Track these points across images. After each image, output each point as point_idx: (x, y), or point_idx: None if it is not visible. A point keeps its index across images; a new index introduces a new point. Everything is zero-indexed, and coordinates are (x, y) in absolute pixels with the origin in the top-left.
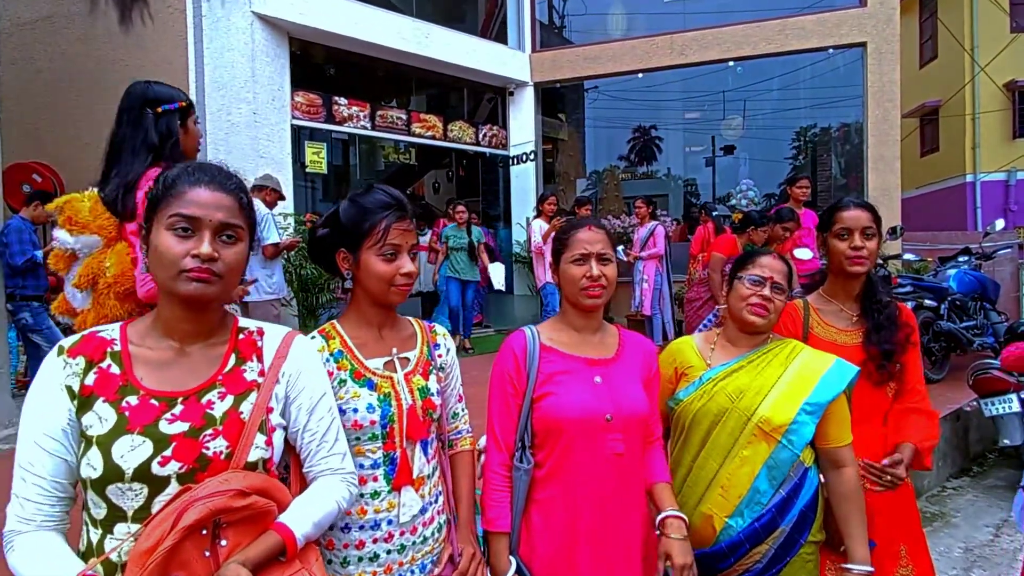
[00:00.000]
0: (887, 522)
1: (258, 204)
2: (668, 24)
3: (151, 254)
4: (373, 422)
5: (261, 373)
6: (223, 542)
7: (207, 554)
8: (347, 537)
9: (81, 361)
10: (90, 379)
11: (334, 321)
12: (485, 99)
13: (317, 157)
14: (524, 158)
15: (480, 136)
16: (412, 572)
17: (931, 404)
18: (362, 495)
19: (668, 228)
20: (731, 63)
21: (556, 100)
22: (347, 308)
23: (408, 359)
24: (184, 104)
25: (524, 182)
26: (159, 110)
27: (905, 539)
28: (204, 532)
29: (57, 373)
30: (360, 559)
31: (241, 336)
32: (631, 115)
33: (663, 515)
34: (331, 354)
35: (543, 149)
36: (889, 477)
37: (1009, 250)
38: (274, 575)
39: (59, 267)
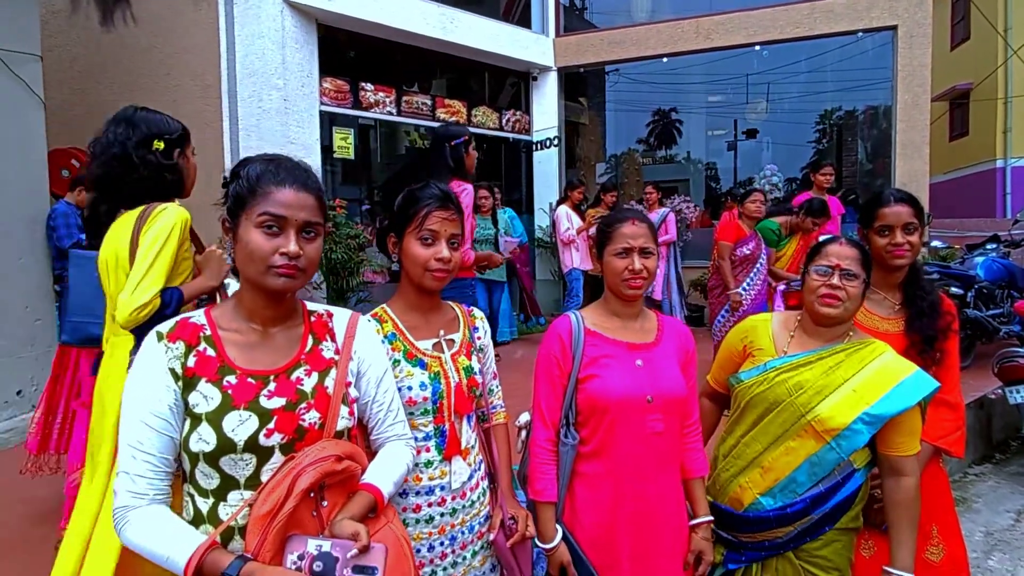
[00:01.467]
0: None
1: None
2: (694, 7)
3: (239, 248)
4: (425, 398)
5: (336, 351)
6: (325, 503)
7: (314, 514)
8: (405, 502)
9: (181, 345)
10: (191, 361)
11: (384, 306)
12: (508, 84)
13: (344, 143)
14: (547, 143)
15: (503, 121)
16: (462, 532)
17: (961, 396)
18: (416, 464)
19: (692, 214)
20: (757, 47)
21: (579, 84)
22: (396, 293)
23: (453, 341)
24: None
25: (547, 167)
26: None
27: (937, 520)
28: (312, 495)
29: (160, 357)
30: (417, 521)
31: (313, 319)
32: (652, 99)
33: (698, 520)
34: (385, 336)
35: (564, 133)
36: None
37: None
38: (369, 528)
39: None
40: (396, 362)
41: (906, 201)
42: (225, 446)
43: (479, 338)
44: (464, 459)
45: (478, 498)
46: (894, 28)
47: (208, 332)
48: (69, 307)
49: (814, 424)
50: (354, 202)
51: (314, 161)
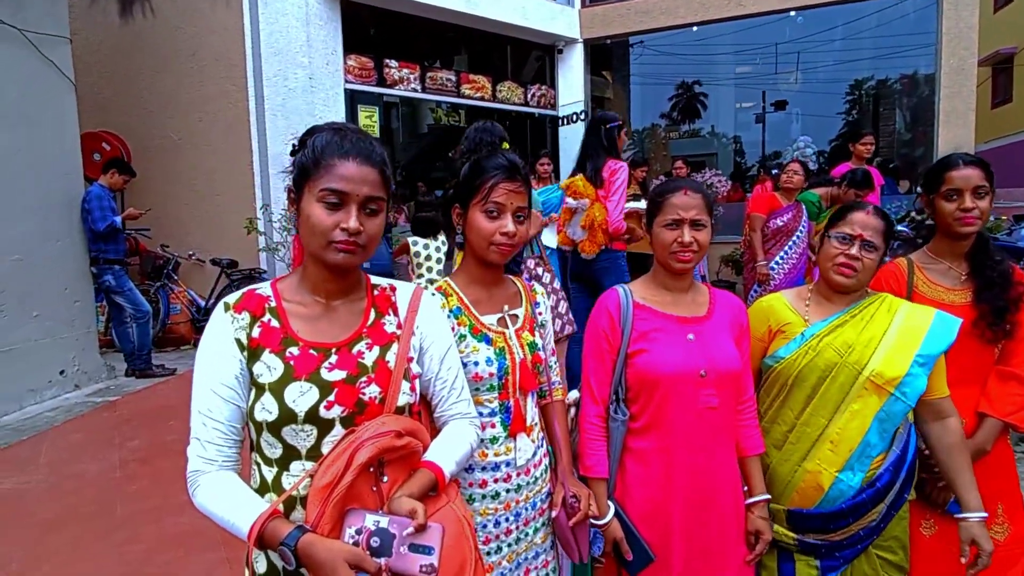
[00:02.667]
0: (984, 481)
1: None
2: None
3: (302, 222)
4: (491, 374)
5: (399, 326)
6: (385, 478)
7: (374, 489)
8: (471, 477)
9: (246, 316)
10: (256, 332)
11: (448, 279)
12: (533, 58)
13: (370, 121)
14: (574, 118)
15: (528, 96)
16: (526, 508)
17: None
18: (482, 440)
19: (723, 188)
20: (792, 12)
21: (604, 57)
22: (460, 267)
23: (516, 316)
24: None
25: (573, 143)
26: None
27: (1003, 499)
28: (371, 470)
29: (227, 327)
30: (483, 496)
31: (376, 292)
32: (679, 70)
33: (755, 499)
34: (451, 311)
35: (590, 107)
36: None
37: None
38: (428, 507)
39: (566, 218)
40: (462, 337)
41: (976, 164)
42: (286, 416)
43: (540, 313)
44: (528, 436)
45: (541, 475)
46: None
47: (273, 303)
48: None
49: (873, 379)
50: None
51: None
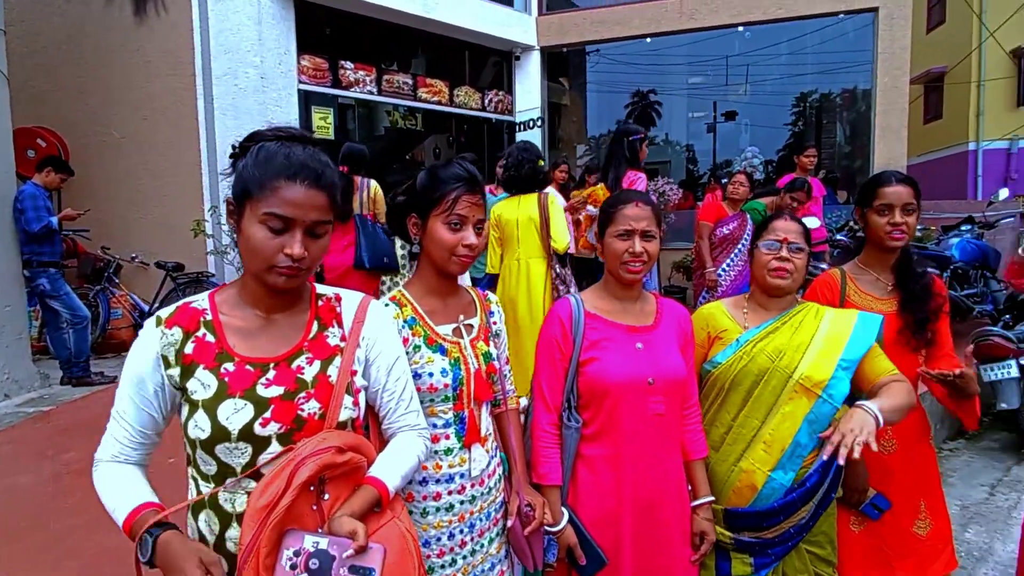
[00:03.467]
0: (906, 478)
1: None
2: None
3: (242, 239)
4: (446, 385)
5: (343, 338)
6: (326, 496)
7: (314, 508)
8: (425, 490)
9: (178, 332)
10: (189, 348)
11: (402, 289)
12: (491, 63)
13: (324, 123)
14: (531, 124)
15: (486, 101)
16: (480, 519)
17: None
18: (436, 452)
19: (675, 195)
20: (740, 28)
21: (561, 64)
22: (414, 276)
23: (471, 326)
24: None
25: None
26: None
27: (924, 495)
28: (312, 488)
29: (154, 342)
30: (438, 509)
31: (320, 303)
32: (634, 80)
33: (700, 502)
34: (405, 321)
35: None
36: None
37: (1012, 219)
38: (371, 524)
39: (587, 225)
40: (416, 348)
41: (906, 182)
42: (219, 434)
43: (495, 323)
44: (483, 446)
45: (495, 484)
46: (875, 10)
47: (209, 317)
48: None
49: (802, 382)
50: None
51: None
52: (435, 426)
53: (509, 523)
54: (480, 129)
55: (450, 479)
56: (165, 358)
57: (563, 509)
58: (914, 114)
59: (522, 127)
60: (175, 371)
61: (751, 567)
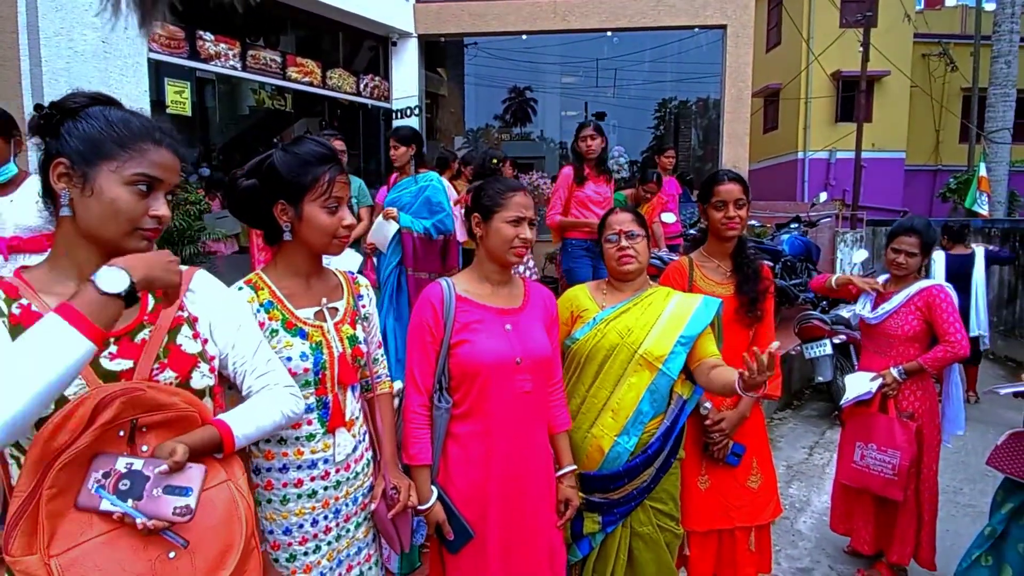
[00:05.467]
0: (742, 440)
1: None
2: None
3: (96, 202)
4: (306, 370)
5: (181, 307)
6: (144, 448)
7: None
8: (285, 477)
9: None
10: (16, 310)
11: (260, 272)
12: (367, 47)
13: (180, 97)
14: (408, 112)
15: (361, 86)
16: (347, 505)
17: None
18: (298, 438)
19: (548, 190)
20: (609, 33)
21: (438, 54)
22: (274, 259)
23: (336, 309)
24: None
25: None
26: None
27: (756, 454)
28: (122, 434)
29: None
30: (299, 496)
31: None
32: (511, 75)
33: (564, 470)
34: (261, 304)
35: (424, 103)
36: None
37: (829, 219)
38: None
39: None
40: (274, 332)
41: (737, 180)
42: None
43: (364, 306)
44: (348, 431)
45: (362, 469)
46: (724, 27)
47: (24, 293)
48: None
49: (645, 356)
50: (190, 164)
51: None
52: None
53: (372, 506)
54: (355, 114)
55: (313, 464)
56: None
57: (432, 487)
58: (756, 124)
59: (399, 115)
60: (4, 321)
61: (599, 524)
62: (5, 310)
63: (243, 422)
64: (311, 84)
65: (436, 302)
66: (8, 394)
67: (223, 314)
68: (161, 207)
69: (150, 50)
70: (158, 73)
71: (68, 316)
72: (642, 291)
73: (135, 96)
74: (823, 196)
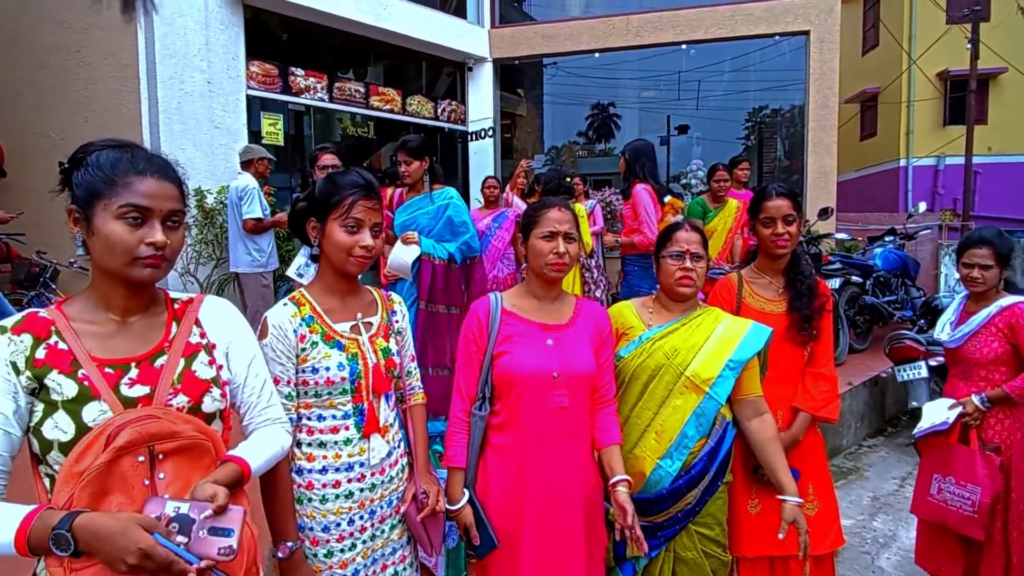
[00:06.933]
0: (797, 466)
1: (246, 178)
2: (625, 5)
3: (97, 240)
4: (343, 379)
5: (202, 335)
6: (161, 475)
7: (147, 483)
8: (324, 478)
9: (27, 338)
10: (40, 353)
11: (302, 289)
12: (444, 73)
13: (274, 128)
14: (483, 134)
15: (439, 111)
16: (381, 507)
17: (835, 368)
18: (336, 442)
19: (621, 205)
20: (684, 46)
21: (515, 75)
22: (315, 278)
23: (371, 323)
24: None
25: (482, 158)
26: None
27: (812, 479)
28: (142, 460)
29: (1, 350)
30: (337, 496)
31: (176, 306)
32: (588, 92)
33: (617, 479)
34: (303, 319)
35: (501, 124)
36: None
37: (930, 231)
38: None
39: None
40: (314, 344)
41: (786, 195)
42: (83, 436)
43: (397, 321)
44: (383, 436)
45: (397, 474)
46: (807, 33)
47: (59, 325)
48: None
49: (692, 378)
50: (285, 190)
51: (241, 146)
52: (334, 417)
53: (403, 509)
54: (433, 138)
55: (349, 468)
56: (14, 364)
57: (464, 491)
58: (852, 131)
59: (474, 136)
60: (26, 375)
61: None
62: (23, 363)
63: (255, 457)
64: (392, 111)
65: (482, 314)
66: None
67: (237, 345)
68: (156, 234)
69: (248, 87)
70: (256, 108)
71: (20, 530)
72: (691, 311)
73: (235, 129)
74: (922, 206)
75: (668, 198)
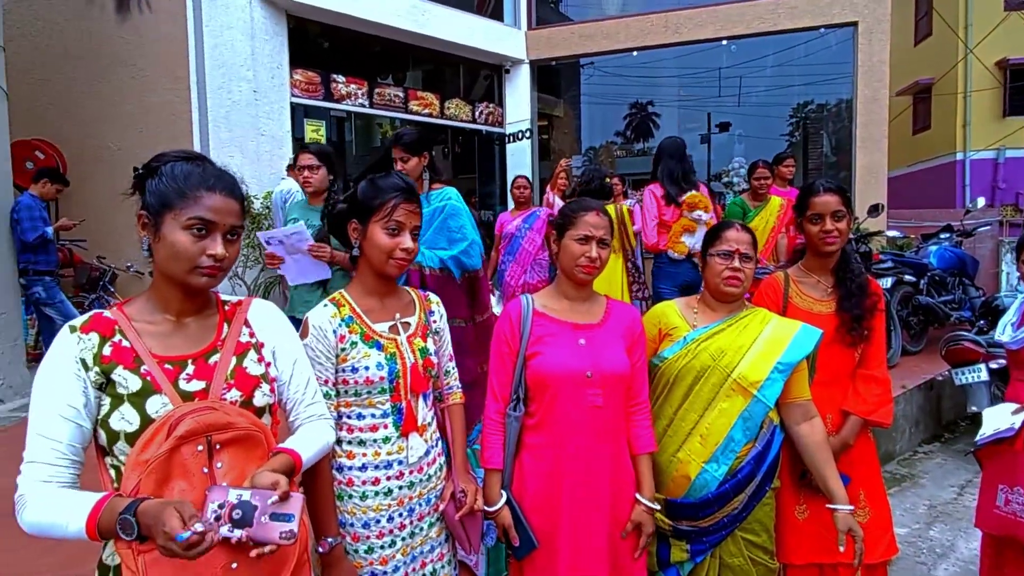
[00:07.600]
0: (848, 471)
1: (289, 182)
2: (663, 2)
3: (163, 246)
4: (382, 378)
5: (251, 335)
6: (219, 464)
7: (205, 471)
8: (364, 475)
9: (95, 336)
10: (107, 350)
11: (342, 291)
12: (481, 76)
13: (316, 135)
14: (520, 136)
15: (476, 114)
16: (420, 504)
17: (887, 370)
18: (375, 440)
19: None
20: (724, 41)
21: (552, 77)
22: (353, 279)
23: (409, 323)
24: None
25: (520, 159)
26: None
27: (864, 485)
28: (201, 449)
29: (71, 348)
30: (376, 493)
31: (227, 307)
32: (627, 92)
33: (640, 497)
34: (342, 319)
35: (538, 126)
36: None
37: (989, 227)
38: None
39: (688, 229)
40: (353, 344)
41: (834, 191)
42: (147, 426)
43: (435, 321)
44: (421, 435)
45: (435, 472)
46: (854, 24)
47: (122, 324)
48: None
49: (739, 381)
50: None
51: (285, 152)
52: (373, 416)
53: (441, 507)
54: (471, 141)
55: (388, 465)
56: (83, 361)
57: (502, 492)
58: (904, 124)
59: (511, 138)
60: (94, 371)
61: (687, 553)
62: (91, 360)
63: (306, 449)
64: (430, 115)
65: (514, 316)
66: (37, 514)
67: (283, 346)
68: (217, 247)
69: (292, 95)
70: (300, 114)
71: (91, 516)
72: (737, 312)
73: (280, 136)
74: (980, 201)
75: (686, 196)
